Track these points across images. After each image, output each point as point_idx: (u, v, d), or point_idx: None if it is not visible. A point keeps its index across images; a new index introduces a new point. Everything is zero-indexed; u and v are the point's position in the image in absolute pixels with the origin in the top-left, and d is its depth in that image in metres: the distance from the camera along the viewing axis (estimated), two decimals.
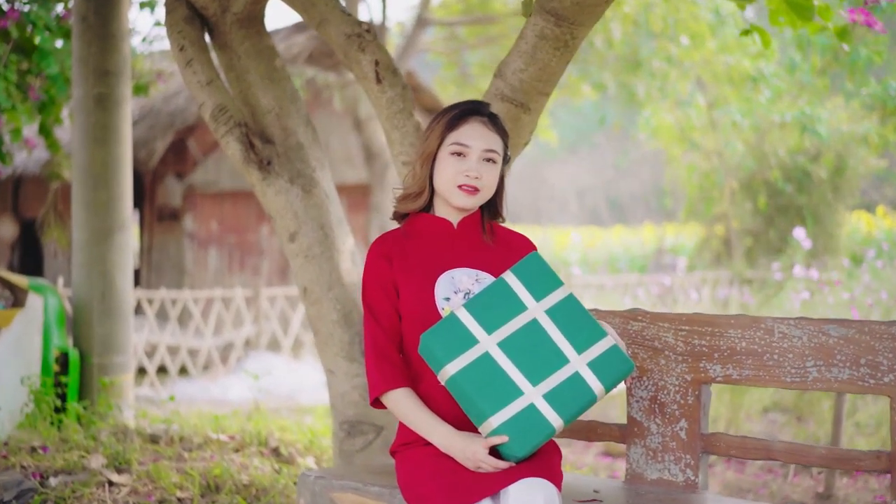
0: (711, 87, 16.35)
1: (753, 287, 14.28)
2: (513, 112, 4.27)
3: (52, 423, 6.10)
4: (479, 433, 3.03)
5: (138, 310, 12.72)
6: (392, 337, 3.21)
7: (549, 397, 2.97)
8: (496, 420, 2.95)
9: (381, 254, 3.26)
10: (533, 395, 2.97)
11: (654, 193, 32.27)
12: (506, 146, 3.30)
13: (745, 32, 5.24)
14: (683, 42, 14.54)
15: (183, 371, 12.58)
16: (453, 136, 3.23)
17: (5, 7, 7.34)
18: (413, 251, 3.27)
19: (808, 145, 16.05)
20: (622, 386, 4.32)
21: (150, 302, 12.37)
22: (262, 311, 13.06)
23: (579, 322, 3.07)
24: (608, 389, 3.04)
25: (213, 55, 5.05)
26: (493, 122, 3.28)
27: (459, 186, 3.21)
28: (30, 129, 13.08)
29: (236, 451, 5.77)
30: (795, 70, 15.04)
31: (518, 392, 2.97)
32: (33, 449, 5.44)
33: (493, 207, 3.36)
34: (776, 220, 16.39)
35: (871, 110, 14.89)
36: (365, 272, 3.27)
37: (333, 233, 4.84)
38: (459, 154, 3.21)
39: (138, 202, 15.41)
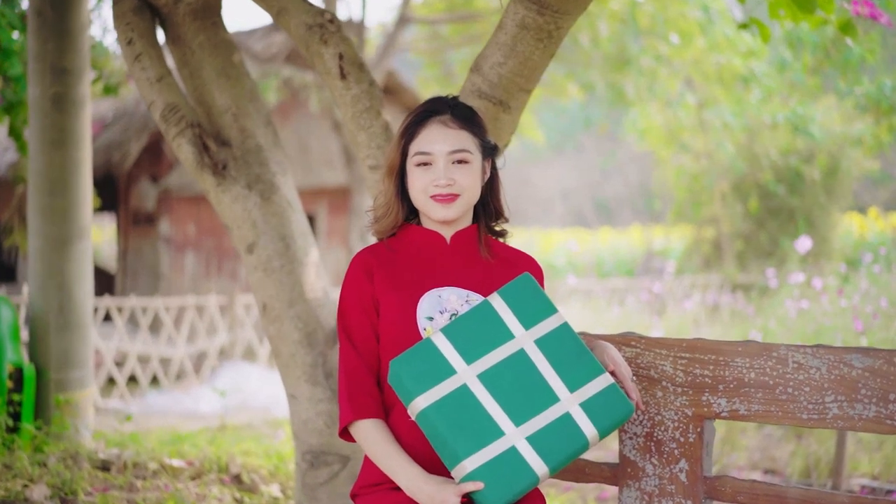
0: (701, 87, 16.03)
1: (748, 294, 13.93)
2: (491, 110, 3.86)
3: (3, 445, 5.67)
4: (452, 478, 2.66)
5: (107, 318, 12.29)
6: (368, 361, 2.85)
7: (534, 440, 2.61)
8: (471, 463, 2.58)
9: (362, 268, 2.91)
10: (515, 436, 2.61)
11: (642, 195, 32.01)
12: (481, 138, 2.94)
13: (744, 26, 4.99)
14: (673, 40, 14.19)
15: (155, 381, 12.13)
16: (414, 146, 2.89)
17: None
18: (398, 266, 2.92)
19: (800, 146, 15.76)
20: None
21: (120, 310, 11.91)
22: (237, 318, 12.62)
23: (573, 355, 2.71)
24: (603, 435, 2.66)
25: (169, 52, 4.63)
26: (458, 117, 2.92)
27: (433, 198, 2.87)
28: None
29: (194, 478, 5.34)
30: (786, 69, 14.74)
31: (498, 432, 2.61)
32: None
33: (488, 209, 3.01)
34: (767, 223, 16.09)
35: (864, 110, 14.57)
36: (343, 288, 2.92)
37: (296, 244, 4.41)
38: (425, 164, 2.87)
39: (113, 206, 15.03)
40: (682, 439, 3.04)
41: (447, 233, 2.95)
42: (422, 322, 2.81)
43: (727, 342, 2.98)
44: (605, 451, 7.60)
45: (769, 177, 15.87)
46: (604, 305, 12.49)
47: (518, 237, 26.11)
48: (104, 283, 16.17)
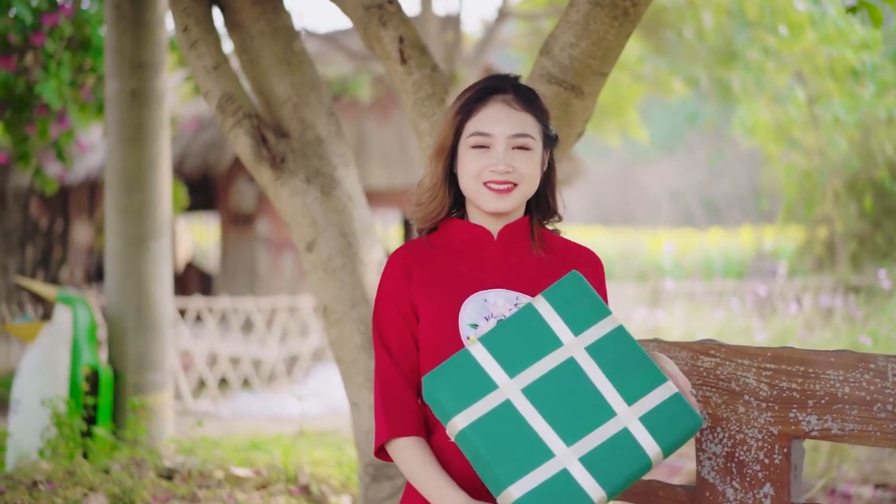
0: (812, 81, 15.45)
1: (860, 296, 13.36)
2: (562, 96, 3.54)
3: (74, 450, 5.52)
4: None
5: (199, 318, 12.22)
6: (405, 370, 2.55)
7: (588, 461, 2.29)
8: (517, 490, 2.27)
9: (399, 267, 2.60)
10: (567, 457, 2.29)
11: (751, 194, 31.26)
12: (545, 125, 2.61)
13: (852, 10, 4.60)
14: (781, 32, 13.66)
15: (246, 383, 12.00)
16: (471, 126, 2.56)
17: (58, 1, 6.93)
18: (438, 265, 2.60)
19: None
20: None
21: (211, 310, 11.81)
22: None
23: (631, 363, 2.38)
24: (667, 453, 2.33)
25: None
26: (521, 97, 2.58)
27: (486, 185, 2.54)
28: (96, 132, 12.74)
29: (259, 488, 5.10)
30: None
31: (548, 454, 2.30)
32: (35, 483, 4.82)
33: (542, 205, 2.68)
34: (884, 222, 15.50)
35: None
36: (378, 289, 2.62)
37: (357, 241, 4.13)
38: (482, 146, 2.54)
39: (214, 206, 15.03)
40: (766, 461, 2.69)
41: (494, 227, 2.63)
42: (465, 330, 2.51)
43: (817, 351, 2.61)
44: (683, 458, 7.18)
45: (885, 174, 15.27)
46: (707, 310, 12.04)
47: (625, 237, 25.70)
48: (205, 283, 16.19)
